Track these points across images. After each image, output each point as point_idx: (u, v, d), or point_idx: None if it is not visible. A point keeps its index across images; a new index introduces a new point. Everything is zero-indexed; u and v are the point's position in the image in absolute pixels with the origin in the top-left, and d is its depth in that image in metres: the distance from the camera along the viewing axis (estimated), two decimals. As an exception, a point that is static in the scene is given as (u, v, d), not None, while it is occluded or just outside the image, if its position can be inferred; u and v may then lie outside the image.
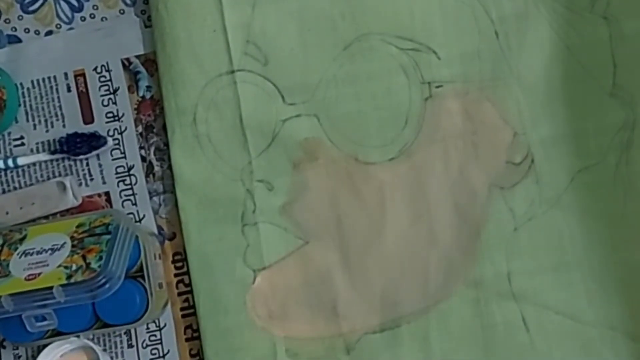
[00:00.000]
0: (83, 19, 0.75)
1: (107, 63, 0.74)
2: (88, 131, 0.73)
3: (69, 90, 0.74)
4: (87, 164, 0.73)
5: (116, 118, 0.74)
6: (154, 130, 0.74)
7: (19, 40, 0.75)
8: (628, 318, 0.66)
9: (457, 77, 0.69)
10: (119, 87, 0.74)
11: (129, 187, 0.73)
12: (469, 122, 0.69)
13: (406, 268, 0.69)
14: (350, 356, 0.68)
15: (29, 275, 0.64)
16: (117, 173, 0.73)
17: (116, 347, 0.72)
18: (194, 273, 0.70)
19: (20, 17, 0.75)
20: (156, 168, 0.73)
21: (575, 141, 0.68)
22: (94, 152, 0.73)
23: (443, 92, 0.69)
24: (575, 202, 0.68)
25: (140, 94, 0.74)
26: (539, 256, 0.68)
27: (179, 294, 0.72)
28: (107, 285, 0.62)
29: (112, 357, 0.71)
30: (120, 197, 0.73)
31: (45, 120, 0.74)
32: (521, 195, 0.68)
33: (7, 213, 0.72)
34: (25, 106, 0.74)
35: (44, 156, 0.73)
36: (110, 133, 0.73)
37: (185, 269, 0.72)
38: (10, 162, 0.73)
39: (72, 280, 0.62)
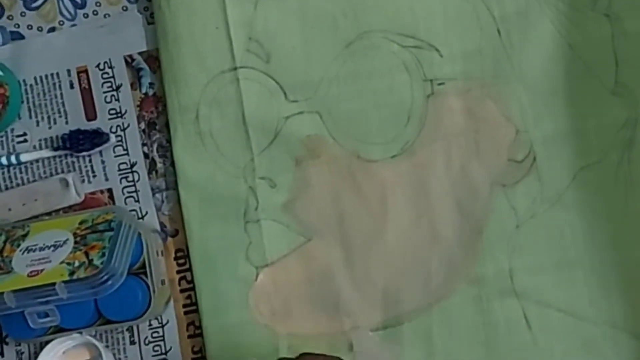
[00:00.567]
0: (86, 15, 0.75)
1: (109, 60, 0.74)
2: (91, 128, 0.73)
3: (71, 86, 0.74)
4: (90, 161, 0.73)
5: (119, 115, 0.74)
6: (157, 127, 0.74)
7: (22, 37, 0.75)
8: (629, 315, 0.66)
9: (459, 74, 0.69)
10: (121, 84, 0.74)
11: (132, 184, 0.73)
12: (471, 120, 0.69)
13: (408, 265, 0.69)
14: (353, 353, 0.68)
15: (32, 271, 0.64)
16: (119, 170, 0.73)
17: (118, 344, 0.72)
18: (197, 270, 0.70)
19: (23, 14, 0.75)
20: (159, 165, 0.73)
21: (577, 139, 0.68)
22: (97, 149, 0.73)
23: (445, 89, 0.69)
24: (577, 200, 0.68)
25: (143, 90, 0.74)
26: (541, 254, 0.68)
27: (182, 291, 0.72)
28: (109, 282, 0.63)
29: (114, 354, 0.71)
30: (123, 194, 0.73)
31: (48, 117, 0.74)
32: (523, 193, 0.68)
33: (9, 209, 0.72)
34: (28, 103, 0.75)
35: (46, 153, 0.73)
36: (113, 130, 0.74)
37: (187, 266, 0.72)
38: (13, 159, 0.73)
39: (75, 277, 0.62)
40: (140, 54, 0.74)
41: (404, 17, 0.70)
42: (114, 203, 0.73)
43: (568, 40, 0.68)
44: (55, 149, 0.73)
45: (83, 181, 0.73)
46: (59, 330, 0.68)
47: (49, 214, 0.73)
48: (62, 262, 0.64)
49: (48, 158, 0.74)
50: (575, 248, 0.67)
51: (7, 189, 0.74)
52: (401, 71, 0.70)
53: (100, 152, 0.73)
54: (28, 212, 0.72)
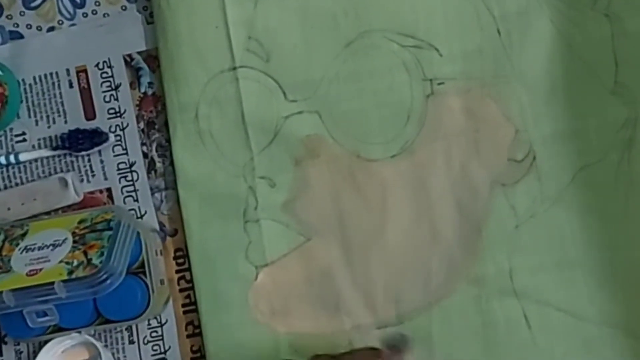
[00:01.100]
0: (85, 15, 0.75)
1: (109, 59, 0.74)
2: (90, 127, 0.73)
3: (70, 86, 0.74)
4: (89, 160, 0.73)
5: (118, 114, 0.74)
6: (156, 126, 0.74)
7: (21, 36, 0.75)
8: (629, 315, 0.66)
9: (459, 74, 0.69)
10: (120, 84, 0.74)
11: (131, 183, 0.73)
12: (470, 120, 0.69)
13: (408, 265, 0.69)
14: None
15: (31, 270, 0.64)
16: (118, 169, 0.73)
17: (117, 343, 0.72)
18: (196, 269, 0.70)
19: (22, 13, 0.75)
20: (158, 164, 0.73)
21: (577, 139, 0.68)
22: (96, 148, 0.73)
23: (445, 89, 0.69)
24: (576, 200, 0.68)
25: (142, 90, 0.74)
26: (541, 253, 0.68)
27: (181, 290, 0.72)
28: (108, 281, 0.63)
29: (113, 353, 0.71)
30: (122, 193, 0.73)
31: (47, 116, 0.74)
32: (523, 193, 0.68)
33: (8, 209, 0.72)
34: (27, 102, 0.75)
35: (45, 152, 0.73)
36: (112, 129, 0.73)
37: (186, 266, 0.72)
38: (12, 158, 0.73)
39: (74, 276, 0.62)
40: (139, 53, 0.74)
41: (404, 16, 0.70)
42: (113, 202, 0.73)
43: (568, 40, 0.68)
44: (54, 149, 0.73)
45: (82, 180, 0.73)
46: (58, 329, 0.68)
47: (47, 213, 0.72)
48: (61, 262, 0.64)
49: (47, 157, 0.74)
50: (575, 248, 0.67)
51: (6, 188, 0.74)
52: (401, 71, 0.70)
53: (99, 151, 0.73)
54: (27, 212, 0.72)
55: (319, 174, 0.70)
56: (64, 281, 0.62)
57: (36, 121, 0.74)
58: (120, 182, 0.73)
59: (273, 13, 0.71)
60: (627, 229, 0.67)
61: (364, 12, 0.70)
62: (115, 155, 0.73)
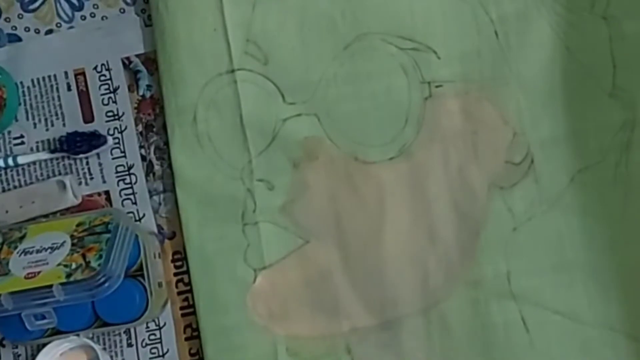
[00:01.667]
0: (83, 17, 0.75)
1: (107, 62, 0.74)
2: (88, 130, 0.73)
3: (69, 89, 0.74)
4: (87, 163, 0.73)
5: (116, 117, 0.74)
6: (154, 129, 0.74)
7: (19, 39, 0.75)
8: (628, 318, 0.66)
9: (457, 76, 0.69)
10: (119, 86, 0.74)
11: (129, 186, 0.73)
12: (468, 122, 0.69)
13: (406, 268, 0.69)
14: (351, 355, 0.68)
15: (29, 273, 0.64)
16: (117, 172, 0.73)
17: (116, 346, 0.72)
18: (194, 272, 0.70)
19: (20, 16, 0.75)
20: (156, 167, 0.73)
21: (574, 141, 0.68)
22: (94, 151, 0.73)
23: (443, 91, 0.69)
24: (574, 202, 0.68)
25: (141, 93, 0.74)
26: (539, 256, 0.68)
27: (179, 293, 0.72)
28: (106, 284, 0.63)
29: (111, 356, 0.71)
30: (120, 196, 0.73)
31: (45, 119, 0.74)
32: (520, 195, 0.68)
33: (7, 212, 0.72)
34: (25, 105, 0.75)
35: (44, 155, 0.73)
36: (110, 132, 0.73)
37: (185, 268, 0.72)
38: (10, 161, 0.73)
39: (72, 279, 0.62)
40: (137, 56, 0.74)
41: (402, 19, 0.70)
42: (111, 205, 0.73)
43: (566, 42, 0.68)
44: (53, 151, 0.73)
45: (80, 183, 0.73)
46: (56, 332, 0.68)
47: (46, 216, 0.72)
48: (59, 264, 0.64)
49: (45, 160, 0.74)
50: (573, 250, 0.67)
51: (4, 191, 0.74)
52: (399, 73, 0.70)
53: (98, 154, 0.73)
54: (25, 214, 0.72)
55: (317, 177, 0.70)
56: (62, 284, 0.62)
57: (34, 124, 0.74)
58: (118, 184, 0.73)
59: (271, 16, 0.71)
60: (625, 231, 0.67)
61: (361, 14, 0.70)
62: (113, 158, 0.73)
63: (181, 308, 0.72)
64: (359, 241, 0.69)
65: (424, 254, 0.69)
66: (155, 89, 0.74)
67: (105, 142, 0.73)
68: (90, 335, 0.70)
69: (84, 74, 0.74)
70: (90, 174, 0.73)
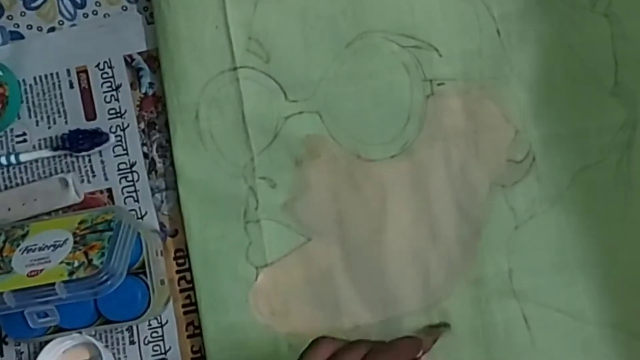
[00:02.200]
0: (86, 15, 0.75)
1: (109, 59, 0.74)
2: (90, 128, 0.73)
3: (71, 86, 0.74)
4: (90, 161, 0.74)
5: (118, 115, 0.74)
6: (156, 127, 0.74)
7: (22, 37, 0.75)
8: (629, 316, 0.66)
9: (459, 74, 0.69)
10: (121, 84, 0.74)
11: (131, 183, 0.73)
12: (470, 120, 0.69)
13: (407, 266, 0.69)
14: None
15: (31, 271, 0.64)
16: (119, 170, 0.73)
17: (118, 344, 0.72)
18: (196, 270, 0.71)
19: (22, 14, 0.75)
20: (158, 165, 0.73)
21: (576, 140, 0.68)
22: (96, 149, 0.73)
23: (445, 89, 0.69)
24: (576, 201, 0.68)
25: (143, 90, 0.74)
26: (540, 254, 0.68)
27: (181, 291, 0.72)
28: (109, 282, 0.63)
29: (114, 354, 0.71)
30: (123, 193, 0.73)
31: (48, 117, 0.74)
32: (522, 194, 0.68)
33: (9, 209, 0.72)
34: (27, 102, 0.75)
35: (46, 152, 0.73)
36: (113, 130, 0.74)
37: (187, 266, 0.72)
38: (12, 159, 0.73)
39: (74, 277, 0.62)
40: (140, 53, 0.74)
41: (403, 17, 0.70)
42: (113, 203, 0.73)
43: (567, 40, 0.68)
44: (55, 149, 0.73)
45: (82, 181, 0.73)
46: (59, 330, 0.68)
47: (48, 213, 0.72)
48: (61, 262, 0.64)
49: (47, 158, 0.74)
50: (575, 249, 0.67)
51: (6, 188, 0.74)
52: (401, 71, 0.70)
53: (100, 152, 0.73)
54: (27, 212, 0.72)
55: (319, 175, 0.70)
56: (64, 282, 0.62)
57: (37, 121, 0.74)
58: (120, 182, 0.73)
59: (273, 14, 0.71)
60: (626, 230, 0.67)
61: (362, 12, 0.70)
62: (115, 156, 0.73)
63: (183, 306, 0.72)
64: (361, 239, 0.69)
65: (425, 252, 0.69)
66: (157, 86, 0.74)
67: (107, 139, 0.73)
68: (93, 333, 0.70)
69: (86, 71, 0.74)
70: (93, 171, 0.73)
